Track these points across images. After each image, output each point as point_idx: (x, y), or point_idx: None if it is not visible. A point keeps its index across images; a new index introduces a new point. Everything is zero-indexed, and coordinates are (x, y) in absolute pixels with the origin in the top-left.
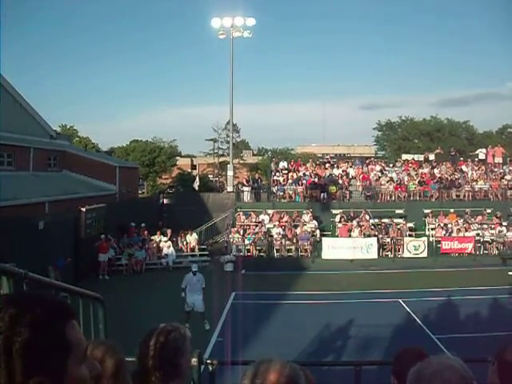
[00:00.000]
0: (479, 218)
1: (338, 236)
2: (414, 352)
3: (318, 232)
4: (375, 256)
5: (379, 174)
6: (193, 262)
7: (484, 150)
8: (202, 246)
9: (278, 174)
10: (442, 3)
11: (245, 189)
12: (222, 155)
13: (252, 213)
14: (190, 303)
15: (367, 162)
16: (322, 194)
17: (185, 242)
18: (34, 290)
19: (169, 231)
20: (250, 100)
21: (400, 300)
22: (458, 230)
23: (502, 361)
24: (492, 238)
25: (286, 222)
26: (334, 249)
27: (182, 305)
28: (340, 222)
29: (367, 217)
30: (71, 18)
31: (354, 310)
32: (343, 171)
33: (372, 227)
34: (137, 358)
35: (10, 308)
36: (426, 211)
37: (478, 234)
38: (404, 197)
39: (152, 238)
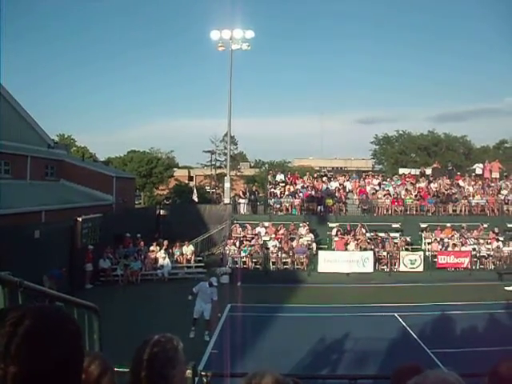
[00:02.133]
0: (475, 232)
1: (334, 249)
2: (412, 368)
3: (314, 245)
4: (371, 270)
5: (376, 188)
6: (189, 274)
7: (481, 165)
8: (198, 258)
9: (274, 186)
10: (439, 21)
11: (241, 201)
12: (220, 167)
13: (248, 225)
14: (199, 310)
15: (364, 175)
16: (319, 207)
17: (180, 254)
18: (47, 304)
19: (165, 242)
20: (248, 112)
21: (396, 314)
22: (454, 245)
23: (493, 376)
24: (488, 252)
25: (283, 234)
26: (330, 262)
27: (187, 309)
28: (336, 235)
29: (363, 230)
30: (71, 34)
31: (349, 324)
32: (340, 184)
33: (368, 241)
34: (129, 369)
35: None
36: (423, 225)
37: (474, 249)
38: (401, 211)
39: (148, 248)
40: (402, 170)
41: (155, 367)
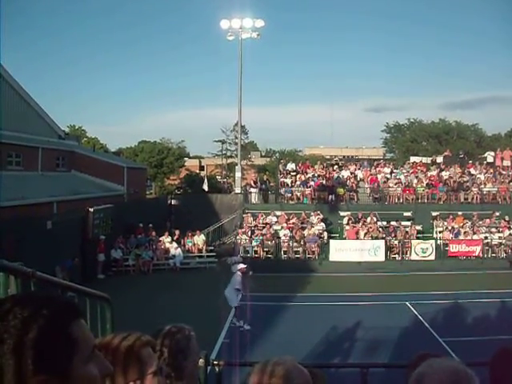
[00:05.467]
0: (487, 221)
1: (345, 238)
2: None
3: (325, 234)
4: (383, 258)
5: (387, 177)
6: (201, 263)
7: (492, 153)
8: (210, 247)
9: (285, 175)
10: (448, 13)
11: (253, 190)
12: (230, 156)
13: (260, 214)
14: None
15: (375, 164)
16: (330, 196)
17: (192, 243)
18: (40, 290)
19: (176, 232)
20: (259, 101)
21: (407, 303)
22: (466, 233)
23: (493, 365)
24: (500, 241)
25: (294, 223)
26: (342, 251)
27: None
28: (348, 224)
29: (375, 219)
30: (80, 26)
31: (361, 313)
32: (351, 173)
33: (380, 229)
34: None
35: (19, 309)
36: (434, 214)
37: (485, 237)
38: (412, 199)
39: (160, 238)
40: (413, 159)
41: (167, 358)
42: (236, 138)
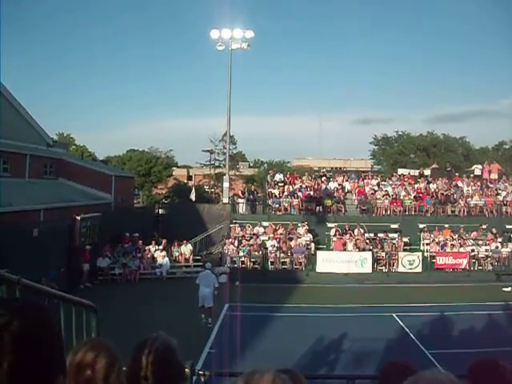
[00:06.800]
0: (474, 233)
1: (332, 249)
2: (400, 366)
3: (312, 245)
4: (369, 270)
5: (375, 188)
6: (188, 273)
7: (480, 166)
8: (197, 257)
9: (273, 186)
10: (437, 22)
11: (240, 200)
12: (219, 166)
13: (247, 225)
14: (200, 297)
15: (363, 176)
16: (318, 208)
17: (179, 253)
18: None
19: (163, 241)
20: (248, 112)
21: (394, 314)
22: (453, 246)
23: (472, 377)
24: (486, 253)
25: (281, 234)
26: (329, 262)
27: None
28: (335, 235)
29: (362, 231)
30: (69, 34)
31: (347, 324)
32: (339, 185)
33: (367, 241)
34: (127, 368)
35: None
36: (421, 226)
37: (472, 250)
38: (399, 211)
39: (146, 247)
40: (400, 171)
41: (152, 367)
42: (224, 148)
